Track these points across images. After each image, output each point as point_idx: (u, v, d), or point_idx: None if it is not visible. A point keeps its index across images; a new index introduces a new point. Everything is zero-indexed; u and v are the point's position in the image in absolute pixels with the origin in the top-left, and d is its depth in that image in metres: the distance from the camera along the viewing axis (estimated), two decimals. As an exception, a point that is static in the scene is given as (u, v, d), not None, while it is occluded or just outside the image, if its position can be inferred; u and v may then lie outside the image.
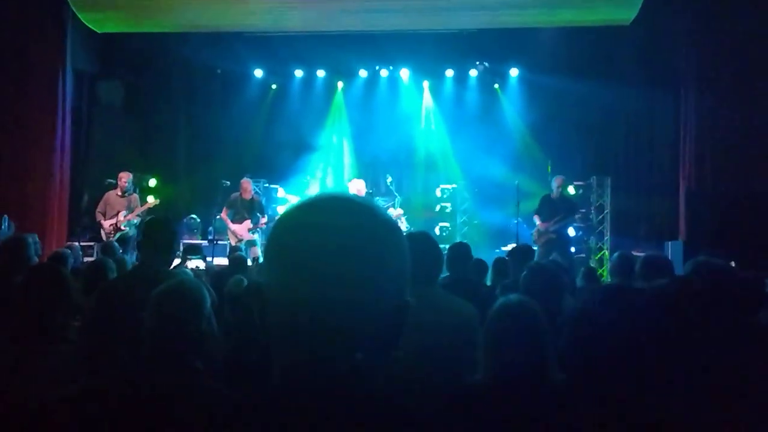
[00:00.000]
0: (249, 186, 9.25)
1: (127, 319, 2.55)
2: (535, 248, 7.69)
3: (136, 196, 9.06)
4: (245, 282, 3.66)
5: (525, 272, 2.95)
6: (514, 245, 8.29)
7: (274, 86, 11.98)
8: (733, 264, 5.41)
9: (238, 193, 9.22)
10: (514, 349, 2.03)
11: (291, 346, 0.89)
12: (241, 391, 0.94)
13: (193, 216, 10.94)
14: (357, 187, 9.23)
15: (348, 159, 11.84)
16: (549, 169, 8.92)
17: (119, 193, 8.88)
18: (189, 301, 2.00)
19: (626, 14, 8.87)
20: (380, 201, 10.48)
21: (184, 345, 1.97)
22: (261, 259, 4.98)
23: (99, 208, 8.91)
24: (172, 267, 3.22)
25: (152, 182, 11.17)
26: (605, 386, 1.47)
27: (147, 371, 1.95)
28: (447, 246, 5.70)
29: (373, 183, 11.32)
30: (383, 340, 0.90)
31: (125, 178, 8.90)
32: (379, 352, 0.91)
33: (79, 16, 9.50)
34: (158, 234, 2.99)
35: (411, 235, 2.66)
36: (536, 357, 2.03)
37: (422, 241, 2.57)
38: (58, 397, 2.82)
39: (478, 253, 6.02)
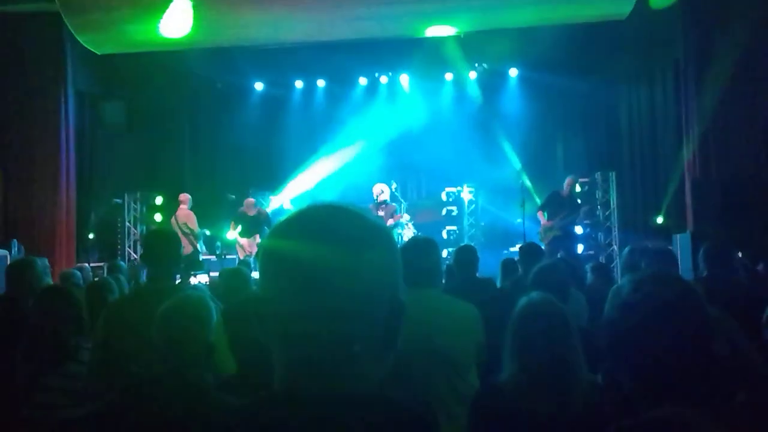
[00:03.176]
0: (251, 203, 9.64)
1: (135, 336, 2.54)
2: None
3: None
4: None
5: (534, 270, 2.96)
6: (521, 244, 8.30)
7: (274, 96, 12.06)
8: (740, 254, 5.40)
9: (244, 208, 9.49)
10: (542, 347, 2.01)
11: (290, 353, 0.91)
12: (248, 401, 0.95)
13: (205, 230, 11.04)
14: (381, 189, 9.22)
15: (352, 166, 11.85)
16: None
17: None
18: (194, 316, 2.01)
19: (623, 8, 8.86)
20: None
21: (192, 359, 1.98)
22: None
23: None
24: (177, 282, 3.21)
25: (158, 200, 11.23)
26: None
27: (157, 388, 1.96)
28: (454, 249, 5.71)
29: (379, 190, 11.33)
30: (381, 341, 0.92)
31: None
32: (378, 354, 0.93)
33: (78, 38, 9.56)
34: (161, 246, 2.89)
35: (411, 240, 2.69)
36: (564, 355, 2.01)
37: (421, 245, 2.62)
38: (73, 417, 2.85)
39: (485, 254, 6.03)
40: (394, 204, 9.26)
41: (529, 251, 4.76)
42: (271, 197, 11.17)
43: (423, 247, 2.59)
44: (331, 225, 0.92)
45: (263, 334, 0.93)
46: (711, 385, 1.26)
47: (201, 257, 9.36)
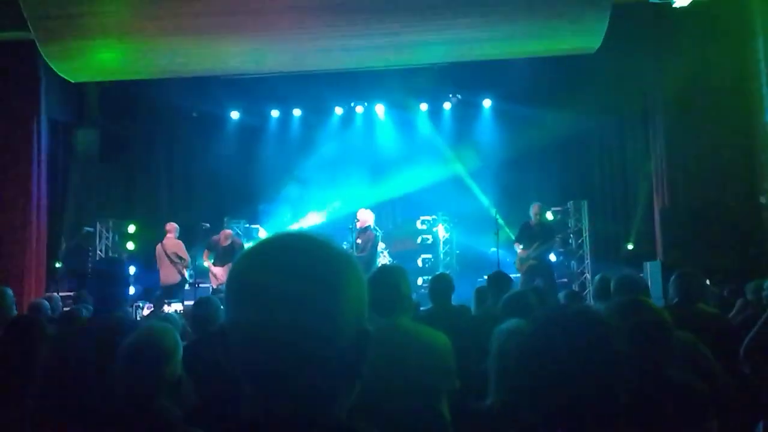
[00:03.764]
0: (228, 235, 9.53)
1: (87, 368, 2.45)
2: (512, 275, 7.76)
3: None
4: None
5: (503, 298, 2.99)
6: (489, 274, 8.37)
7: (249, 124, 12.10)
8: (708, 282, 5.51)
9: (218, 237, 9.41)
10: (525, 374, 2.01)
11: (256, 382, 0.91)
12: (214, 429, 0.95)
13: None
14: (363, 217, 9.08)
15: (327, 195, 11.87)
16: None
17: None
18: (160, 348, 1.99)
19: (591, 42, 9.09)
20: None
21: (158, 392, 1.96)
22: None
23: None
24: (149, 312, 3.17)
25: (131, 228, 11.12)
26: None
27: (126, 421, 1.93)
28: (430, 277, 5.74)
29: (353, 218, 11.37)
30: (346, 368, 0.93)
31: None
32: (343, 381, 0.94)
33: (52, 66, 9.51)
34: (106, 276, 2.81)
35: (380, 269, 2.70)
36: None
37: (390, 273, 2.64)
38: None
39: (461, 282, 6.07)
40: (372, 232, 9.12)
41: (497, 279, 4.82)
42: (260, 228, 11.13)
43: (392, 275, 2.60)
44: (296, 254, 0.93)
45: (230, 363, 0.93)
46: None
47: (187, 286, 9.30)
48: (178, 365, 2.02)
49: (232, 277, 0.96)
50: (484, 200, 10.65)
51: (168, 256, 9.17)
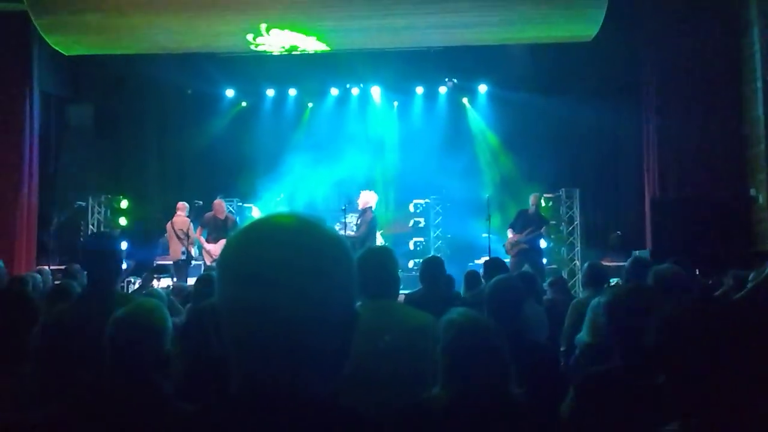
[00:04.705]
0: (222, 206, 9.54)
1: (81, 345, 2.47)
2: (506, 259, 7.86)
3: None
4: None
5: (489, 284, 3.03)
6: (486, 258, 8.43)
7: (243, 104, 12.04)
8: (697, 272, 5.58)
9: (212, 213, 9.42)
10: (471, 362, 2.03)
11: (245, 359, 0.93)
12: (205, 406, 0.97)
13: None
14: (365, 199, 8.93)
15: (321, 176, 11.85)
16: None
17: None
18: (148, 324, 2.01)
19: (588, 30, 9.09)
20: (354, 217, 10.47)
21: (148, 367, 1.98)
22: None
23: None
24: (138, 287, 3.17)
25: (124, 203, 11.10)
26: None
27: (112, 395, 1.95)
28: (421, 260, 5.77)
29: (346, 200, 11.37)
30: (334, 349, 0.95)
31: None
32: (331, 362, 0.95)
33: (46, 38, 9.43)
34: (104, 252, 2.80)
35: (368, 251, 2.70)
36: (494, 369, 2.03)
37: (378, 256, 2.63)
38: (26, 421, 2.80)
39: (451, 266, 6.11)
40: (371, 214, 8.97)
41: (494, 266, 4.86)
42: (254, 207, 11.13)
43: (380, 258, 2.60)
44: (287, 235, 0.95)
45: (220, 341, 0.95)
46: None
47: (192, 263, 9.43)
48: (169, 341, 2.04)
49: (225, 254, 0.97)
50: (477, 185, 10.67)
51: (176, 233, 9.31)
